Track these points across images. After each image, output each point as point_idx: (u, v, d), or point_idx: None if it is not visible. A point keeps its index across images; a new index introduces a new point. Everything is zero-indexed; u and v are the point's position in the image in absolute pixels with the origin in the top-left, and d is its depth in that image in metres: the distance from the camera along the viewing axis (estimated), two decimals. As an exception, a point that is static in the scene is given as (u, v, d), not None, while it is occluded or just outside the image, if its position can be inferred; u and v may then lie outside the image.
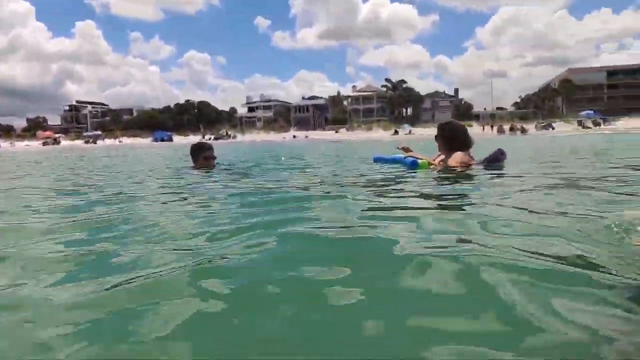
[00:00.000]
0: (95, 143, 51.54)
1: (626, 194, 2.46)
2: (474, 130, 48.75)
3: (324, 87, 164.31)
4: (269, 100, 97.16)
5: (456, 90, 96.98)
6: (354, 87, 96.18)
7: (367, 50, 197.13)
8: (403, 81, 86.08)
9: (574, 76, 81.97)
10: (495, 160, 4.11)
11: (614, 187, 2.91)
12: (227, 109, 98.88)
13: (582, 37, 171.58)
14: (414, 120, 71.88)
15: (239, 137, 56.28)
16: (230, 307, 1.06)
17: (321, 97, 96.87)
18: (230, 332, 0.96)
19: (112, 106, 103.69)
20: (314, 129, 74.54)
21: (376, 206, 2.34)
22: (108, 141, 56.03)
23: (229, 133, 58.86)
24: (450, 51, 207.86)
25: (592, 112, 52.32)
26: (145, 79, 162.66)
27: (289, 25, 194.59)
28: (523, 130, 39.53)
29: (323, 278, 1.21)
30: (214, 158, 5.46)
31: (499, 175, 3.62)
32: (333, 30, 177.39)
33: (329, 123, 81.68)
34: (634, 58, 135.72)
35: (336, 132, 59.60)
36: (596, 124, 44.17)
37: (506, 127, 42.07)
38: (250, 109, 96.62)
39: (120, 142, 54.34)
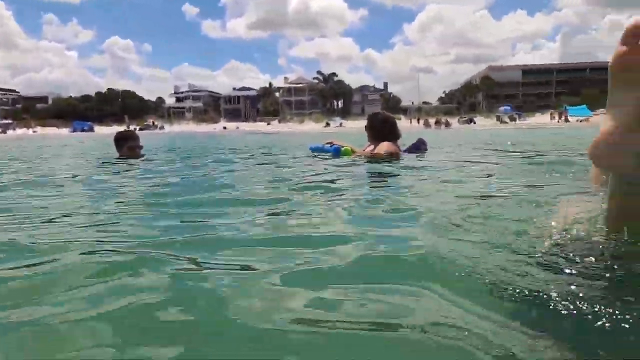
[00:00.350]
0: (4, 133, 47.53)
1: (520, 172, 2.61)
2: (402, 123, 50.47)
3: (255, 79, 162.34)
4: (198, 91, 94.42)
5: (385, 84, 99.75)
6: (285, 78, 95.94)
7: (298, 42, 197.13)
8: (334, 74, 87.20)
9: (493, 73, 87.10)
10: (416, 149, 4.31)
11: (521, 170, 3.16)
12: (153, 98, 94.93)
13: (500, 37, 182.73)
14: (344, 113, 73.04)
15: (167, 128, 54.28)
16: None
17: (252, 89, 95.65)
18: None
19: (25, 93, 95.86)
20: (245, 120, 73.55)
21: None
22: (20, 131, 51.93)
23: (156, 123, 56.60)
24: (379, 46, 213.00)
25: (508, 108, 55.93)
26: (62, 65, 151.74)
27: (219, 15, 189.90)
28: (447, 124, 41.48)
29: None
30: (140, 148, 5.34)
31: (420, 161, 3.86)
32: (263, 20, 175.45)
33: (260, 115, 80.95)
34: (545, 58, 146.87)
35: (268, 124, 59.22)
36: (512, 119, 47.36)
37: (432, 120, 43.96)
38: (179, 99, 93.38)
39: (34, 132, 50.54)
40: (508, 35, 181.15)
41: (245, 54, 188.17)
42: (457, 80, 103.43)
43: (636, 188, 0.96)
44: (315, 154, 4.85)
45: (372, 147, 4.51)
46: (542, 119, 45.61)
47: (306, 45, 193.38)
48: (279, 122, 63.76)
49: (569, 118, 42.06)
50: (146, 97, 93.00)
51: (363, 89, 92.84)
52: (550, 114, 47.26)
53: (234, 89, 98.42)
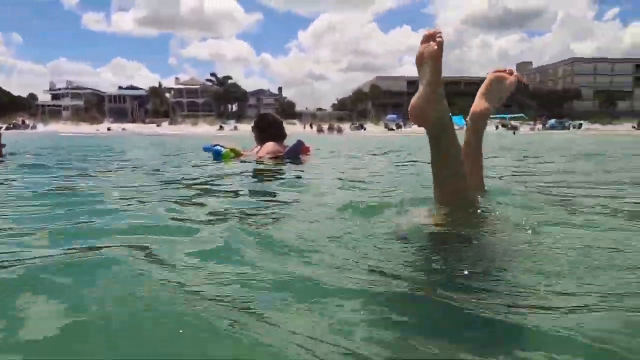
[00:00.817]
0: None
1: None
2: (296, 128, 51.23)
3: (143, 77, 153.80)
4: (78, 88, 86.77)
5: (280, 89, 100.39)
6: (177, 79, 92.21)
7: (191, 42, 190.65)
8: (229, 77, 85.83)
9: (381, 82, 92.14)
10: (294, 152, 4.38)
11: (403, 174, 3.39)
12: (25, 94, 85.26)
13: (388, 48, 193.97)
14: (239, 117, 72.19)
15: (40, 127, 49.09)
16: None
17: (140, 88, 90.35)
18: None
19: None
20: (133, 121, 69.21)
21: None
22: None
23: (27, 122, 50.97)
24: (274, 50, 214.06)
25: (395, 116, 59.52)
26: None
27: (103, 7, 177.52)
28: (339, 130, 42.95)
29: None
30: (2, 146, 4.97)
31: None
32: (153, 17, 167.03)
33: (149, 116, 76.76)
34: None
35: (158, 125, 56.37)
36: (398, 126, 50.56)
37: (325, 126, 45.18)
38: (55, 97, 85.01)
39: None
40: (396, 47, 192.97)
41: (132, 51, 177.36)
42: (349, 88, 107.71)
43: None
44: (209, 154, 4.74)
45: (258, 147, 4.52)
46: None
47: (200, 45, 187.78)
48: (170, 124, 61.02)
49: (447, 127, 45.99)
50: (15, 93, 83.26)
51: (258, 92, 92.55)
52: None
53: (120, 87, 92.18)
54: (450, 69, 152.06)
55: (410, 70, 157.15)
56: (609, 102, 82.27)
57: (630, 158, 6.70)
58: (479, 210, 1.66)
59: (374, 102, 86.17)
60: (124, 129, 47.42)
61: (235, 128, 48.79)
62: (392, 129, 48.34)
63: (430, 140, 1.58)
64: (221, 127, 49.30)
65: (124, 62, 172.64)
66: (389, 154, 7.53)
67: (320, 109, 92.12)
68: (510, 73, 2.04)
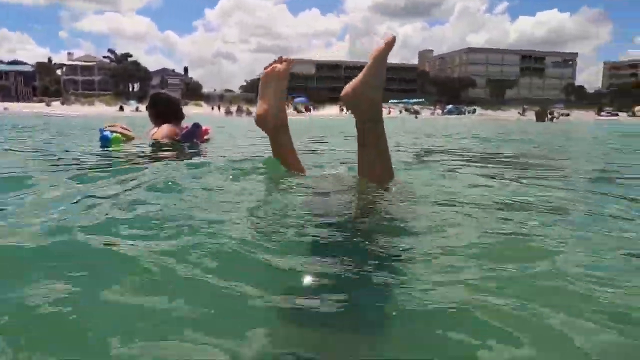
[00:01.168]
0: None
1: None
2: (204, 110, 49.58)
3: (30, 51, 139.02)
4: (-52, 60, 76.36)
5: (186, 69, 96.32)
6: (69, 54, 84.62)
7: (85, 14, 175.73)
8: (129, 54, 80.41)
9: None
10: (191, 135, 4.12)
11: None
12: None
13: (297, 31, 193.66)
14: (141, 97, 68.18)
15: None
16: None
17: (26, 63, 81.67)
18: None
19: None
20: (17, 100, 62.46)
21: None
22: None
23: None
24: (179, 28, 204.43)
25: (304, 99, 59.89)
26: None
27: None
28: (249, 112, 42.23)
29: None
30: None
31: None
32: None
33: (37, 94, 69.77)
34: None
35: (47, 104, 51.42)
36: (307, 109, 50.99)
37: (233, 108, 44.19)
38: None
39: None
40: (305, 30, 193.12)
41: (17, 21, 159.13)
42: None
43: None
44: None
45: (155, 129, 4.23)
46: (332, 110, 50.37)
47: (95, 19, 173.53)
48: (62, 103, 55.93)
49: (355, 110, 47.37)
50: None
51: (162, 72, 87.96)
52: (340, 106, 52.58)
53: (2, 62, 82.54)
54: (358, 55, 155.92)
55: (319, 54, 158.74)
56: (498, 90, 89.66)
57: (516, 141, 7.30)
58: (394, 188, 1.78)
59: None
60: (5, 108, 42.46)
61: (137, 109, 45.92)
62: (302, 112, 48.59)
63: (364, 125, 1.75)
64: (121, 108, 46.16)
65: (6, 33, 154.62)
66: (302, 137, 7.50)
67: (228, 91, 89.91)
68: (281, 61, 2.05)
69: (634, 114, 53.53)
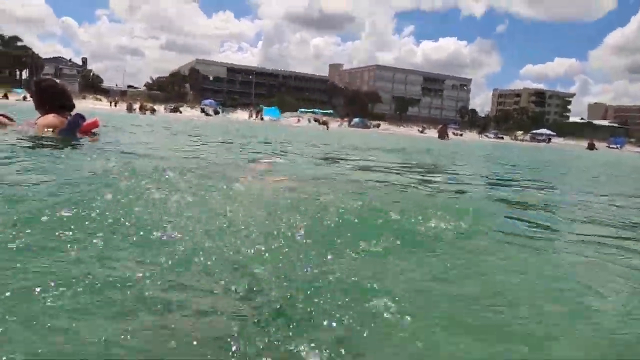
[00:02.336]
0: None
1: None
2: (102, 105, 46.34)
3: None
4: None
5: (84, 60, 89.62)
6: (-57, 32, 74.68)
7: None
8: (17, 38, 72.87)
9: (201, 67, 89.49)
10: (74, 125, 3.81)
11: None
12: None
13: (209, 32, 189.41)
14: (30, 85, 62.17)
15: None
16: None
17: None
18: None
19: None
20: None
21: None
22: None
23: None
24: (79, 15, 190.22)
25: (213, 101, 58.50)
26: None
27: None
28: (153, 111, 40.28)
29: None
30: None
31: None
32: None
33: None
34: (247, 60, 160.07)
35: None
36: (216, 112, 49.88)
37: (136, 105, 41.88)
38: None
39: None
40: (217, 32, 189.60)
41: None
42: (167, 68, 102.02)
43: None
44: None
45: (39, 118, 3.86)
46: (242, 115, 49.80)
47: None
48: None
49: (264, 117, 47.24)
50: None
51: (57, 60, 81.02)
52: (250, 111, 52.16)
53: None
54: (270, 61, 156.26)
55: (231, 57, 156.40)
56: (402, 107, 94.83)
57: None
58: None
59: (193, 86, 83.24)
60: None
61: (25, 98, 41.72)
62: (210, 115, 47.41)
63: None
64: (5, 96, 41.63)
65: None
66: (200, 136, 7.29)
67: (132, 87, 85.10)
68: None
69: (515, 138, 59.76)
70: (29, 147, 3.02)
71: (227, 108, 56.73)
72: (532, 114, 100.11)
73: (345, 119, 57.05)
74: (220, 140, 6.54)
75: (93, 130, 4.01)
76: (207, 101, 57.67)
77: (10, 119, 3.89)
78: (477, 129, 66.31)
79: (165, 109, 47.16)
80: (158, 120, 19.31)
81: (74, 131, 3.75)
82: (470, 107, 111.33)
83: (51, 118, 3.74)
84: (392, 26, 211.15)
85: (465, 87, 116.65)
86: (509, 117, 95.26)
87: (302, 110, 58.11)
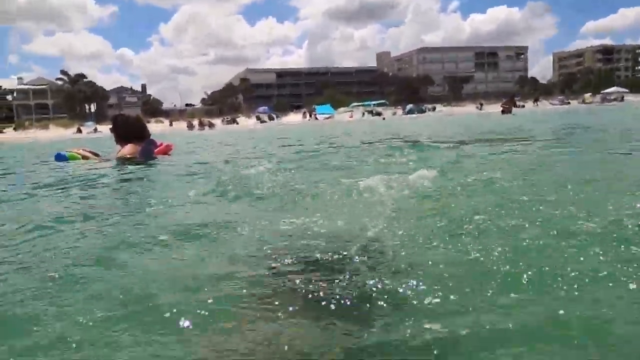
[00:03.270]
0: None
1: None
2: (165, 126, 48.64)
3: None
4: None
5: (143, 86, 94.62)
6: (20, 79, 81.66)
7: (35, 36, 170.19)
8: (83, 75, 78.10)
9: (251, 75, 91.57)
10: (148, 152, 4.17)
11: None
12: None
13: (255, 40, 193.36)
14: (99, 117, 66.42)
15: None
16: None
17: (-27, 91, 78.33)
18: None
19: None
20: (-34, 129, 59.75)
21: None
22: None
23: None
24: (134, 45, 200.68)
25: (266, 108, 59.68)
26: None
27: None
28: (211, 125, 41.78)
29: None
30: None
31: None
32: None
33: (-12, 122, 66.96)
34: (294, 63, 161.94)
35: (1, 132, 49.47)
36: (270, 118, 50.76)
37: (195, 122, 43.58)
38: None
39: None
40: (262, 39, 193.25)
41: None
42: (218, 81, 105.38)
43: None
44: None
45: (119, 148, 4.31)
46: (296, 117, 50.31)
47: (46, 40, 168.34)
48: (15, 129, 53.89)
49: (318, 116, 47.45)
50: None
51: (119, 90, 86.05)
52: (303, 113, 52.58)
53: (-53, 91, 78.91)
54: (317, 61, 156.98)
55: (278, 62, 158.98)
56: (456, 86, 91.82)
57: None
58: None
59: (244, 95, 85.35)
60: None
61: (96, 130, 44.72)
62: (265, 121, 48.38)
63: None
64: (79, 130, 44.83)
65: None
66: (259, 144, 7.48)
67: (189, 105, 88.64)
68: None
69: (584, 101, 55.90)
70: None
71: (279, 112, 57.58)
72: (600, 72, 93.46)
73: (399, 107, 56.03)
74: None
75: (169, 153, 4.39)
76: (261, 108, 58.86)
77: (96, 154, 4.29)
78: (533, 97, 62.16)
79: (222, 121, 48.68)
80: (220, 134, 20.01)
81: (150, 155, 4.12)
82: (530, 75, 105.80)
83: (127, 148, 4.15)
84: (436, 5, 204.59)
85: (521, 56, 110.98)
86: (573, 80, 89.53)
87: (355, 104, 57.72)
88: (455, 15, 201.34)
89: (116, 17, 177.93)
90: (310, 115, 48.39)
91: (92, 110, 76.39)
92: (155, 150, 4.32)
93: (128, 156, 4.08)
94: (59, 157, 3.94)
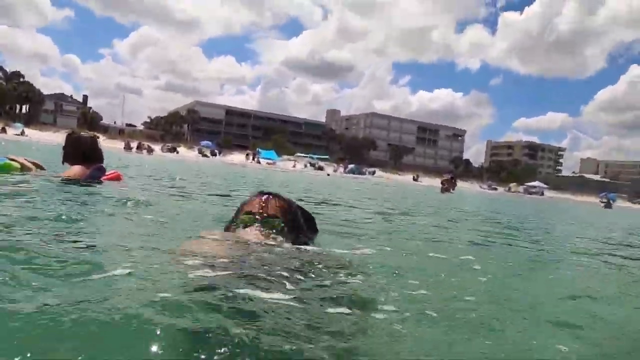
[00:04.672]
0: None
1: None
2: (104, 143, 46.54)
3: None
4: None
5: (85, 97, 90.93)
6: (-54, 65, 75.80)
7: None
8: (19, 74, 73.84)
9: (200, 108, 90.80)
10: (94, 178, 4.13)
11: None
12: None
13: (210, 75, 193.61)
14: (30, 120, 62.48)
15: None
16: None
17: None
18: None
19: None
20: None
21: None
22: None
23: None
24: (83, 54, 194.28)
25: (210, 143, 58.98)
26: None
27: None
28: (150, 150, 40.46)
29: None
30: None
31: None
32: None
33: None
34: (246, 104, 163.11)
35: None
36: (213, 154, 50.16)
37: (134, 144, 42.09)
38: None
39: None
40: (218, 75, 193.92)
41: None
42: (165, 107, 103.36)
43: None
44: None
45: (66, 171, 4.15)
46: (238, 157, 50.04)
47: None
48: None
49: (260, 160, 47.49)
50: None
51: (58, 97, 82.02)
52: (247, 154, 52.43)
53: None
54: (269, 106, 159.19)
55: (229, 100, 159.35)
56: (397, 155, 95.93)
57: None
58: None
59: (191, 127, 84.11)
60: None
61: (23, 133, 41.91)
62: (207, 156, 47.63)
63: None
64: (3, 130, 41.77)
65: None
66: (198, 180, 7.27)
67: (130, 125, 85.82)
68: None
69: (510, 190, 60.21)
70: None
71: (223, 149, 57.06)
72: (526, 166, 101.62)
73: (342, 165, 57.28)
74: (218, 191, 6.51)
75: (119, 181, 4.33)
76: (204, 142, 58.10)
77: (42, 168, 4.15)
78: (470, 179, 66.10)
79: (162, 148, 47.34)
80: (154, 160, 19.35)
81: (95, 179, 4.11)
82: (464, 157, 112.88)
83: (75, 169, 4.03)
84: (389, 77, 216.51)
85: (459, 138, 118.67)
86: (502, 168, 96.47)
87: (299, 154, 58.46)
88: (404, 89, 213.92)
89: (70, 22, 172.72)
90: (254, 158, 48.33)
91: (24, 111, 71.86)
92: (103, 178, 4.21)
93: (73, 178, 3.94)
94: None
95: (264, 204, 1.80)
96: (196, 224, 2.52)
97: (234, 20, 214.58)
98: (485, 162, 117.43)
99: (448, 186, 19.79)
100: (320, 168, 50.07)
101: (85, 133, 4.50)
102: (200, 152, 50.65)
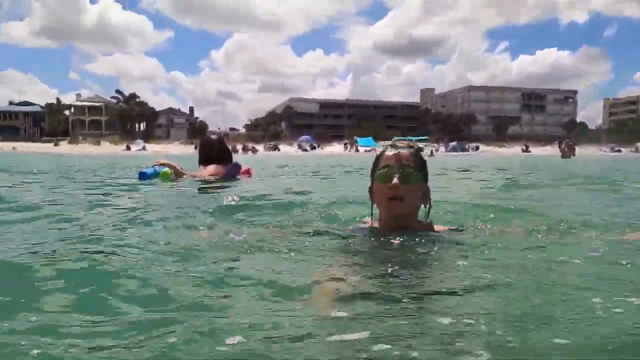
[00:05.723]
0: None
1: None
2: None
3: (40, 93, 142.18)
4: (-41, 102, 77.96)
5: (191, 109, 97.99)
6: (78, 95, 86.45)
7: (95, 56, 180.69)
8: (135, 95, 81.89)
9: (295, 104, 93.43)
10: (232, 174, 4.62)
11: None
12: None
13: (301, 70, 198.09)
14: (147, 136, 69.04)
15: None
16: None
17: (35, 104, 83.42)
18: None
19: None
20: (25, 140, 63.34)
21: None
22: None
23: None
24: (185, 69, 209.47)
25: (308, 137, 60.41)
26: None
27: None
28: (254, 150, 42.57)
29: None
30: None
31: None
32: (52, 28, 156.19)
33: (45, 134, 70.80)
34: (338, 94, 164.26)
35: (55, 144, 52.15)
36: (312, 147, 51.34)
37: (239, 146, 44.55)
38: None
39: None
40: (309, 69, 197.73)
41: (26, 63, 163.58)
42: (263, 108, 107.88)
43: None
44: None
45: (204, 170, 4.65)
46: (337, 148, 50.64)
47: (104, 60, 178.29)
48: (69, 142, 56.70)
49: (359, 148, 47.58)
50: None
51: (169, 112, 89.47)
52: (344, 144, 52.82)
53: (11, 102, 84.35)
54: (361, 94, 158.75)
55: (322, 93, 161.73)
56: (501, 126, 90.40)
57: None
58: None
59: (287, 123, 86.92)
60: (14, 148, 42.93)
61: (144, 148, 46.42)
62: (306, 150, 48.93)
63: None
64: (128, 147, 46.64)
65: (16, 74, 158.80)
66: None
67: (233, 129, 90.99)
68: None
69: (637, 150, 53.67)
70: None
71: (320, 142, 58.13)
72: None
73: (441, 144, 55.16)
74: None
75: (247, 176, 4.84)
76: (302, 138, 59.66)
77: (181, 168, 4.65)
78: (586, 143, 59.61)
79: (264, 147, 49.53)
80: (263, 159, 20.37)
81: (233, 176, 4.63)
82: (579, 120, 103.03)
83: (211, 168, 4.48)
84: (484, 46, 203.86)
85: (570, 100, 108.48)
86: (624, 127, 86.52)
87: (397, 137, 57.51)
88: (503, 55, 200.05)
89: (171, 41, 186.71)
90: (352, 147, 48.58)
91: (142, 128, 79.56)
92: (239, 173, 4.80)
93: (211, 176, 4.43)
94: (144, 176, 4.09)
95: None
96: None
97: (318, 13, 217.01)
98: (604, 123, 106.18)
99: (569, 150, 21.16)
100: (420, 149, 48.80)
101: (213, 136, 5.04)
102: (299, 147, 52.12)
